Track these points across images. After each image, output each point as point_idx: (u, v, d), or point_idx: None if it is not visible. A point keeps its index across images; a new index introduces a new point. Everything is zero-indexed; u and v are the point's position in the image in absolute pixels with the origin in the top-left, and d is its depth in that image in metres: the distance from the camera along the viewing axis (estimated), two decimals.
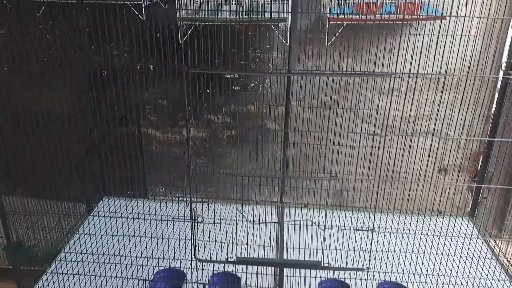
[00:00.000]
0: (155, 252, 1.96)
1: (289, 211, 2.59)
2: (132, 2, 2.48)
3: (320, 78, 3.05)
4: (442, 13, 2.38)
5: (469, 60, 2.83)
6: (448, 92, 3.02)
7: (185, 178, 3.32)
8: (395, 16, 2.37)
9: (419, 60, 2.86)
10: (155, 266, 1.90)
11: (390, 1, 2.40)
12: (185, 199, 2.53)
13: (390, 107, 3.07)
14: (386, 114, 3.09)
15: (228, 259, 1.59)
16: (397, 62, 2.88)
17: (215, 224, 2.14)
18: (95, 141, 2.54)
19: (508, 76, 2.52)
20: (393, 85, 3.04)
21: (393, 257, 2.11)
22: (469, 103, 2.94)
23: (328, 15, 2.42)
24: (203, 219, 1.65)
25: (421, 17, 2.32)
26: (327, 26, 2.45)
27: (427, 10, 2.40)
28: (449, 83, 2.97)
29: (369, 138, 3.11)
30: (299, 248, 2.16)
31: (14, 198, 2.83)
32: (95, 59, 3.10)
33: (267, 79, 3.15)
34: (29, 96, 3.01)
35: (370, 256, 1.99)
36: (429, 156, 3.07)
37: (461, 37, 2.69)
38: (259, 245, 2.12)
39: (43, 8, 2.56)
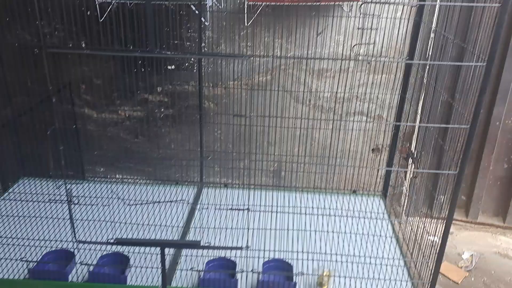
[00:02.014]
0: (46, 234, 1.99)
1: (208, 191, 2.63)
2: None
3: (253, 58, 3.06)
4: None
5: (388, 43, 2.85)
6: (380, 73, 3.05)
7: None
8: None
9: (348, 42, 2.88)
10: (42, 247, 1.92)
11: None
12: (55, 180, 2.48)
13: (324, 88, 3.10)
14: (320, 96, 3.12)
15: (109, 240, 1.62)
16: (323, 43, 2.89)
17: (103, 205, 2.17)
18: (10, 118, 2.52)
19: (411, 61, 2.54)
20: (325, 66, 3.06)
21: (283, 236, 2.17)
22: (398, 85, 2.96)
23: None
24: (78, 200, 1.66)
25: None
26: (245, 6, 2.44)
27: None
28: (379, 65, 3.00)
29: (304, 120, 3.15)
30: (208, 228, 2.21)
31: None
32: (26, 37, 3.06)
33: (203, 59, 3.13)
34: None
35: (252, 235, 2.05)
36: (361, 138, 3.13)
37: (386, 19, 2.70)
38: (166, 226, 2.17)
39: None
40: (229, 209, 2.04)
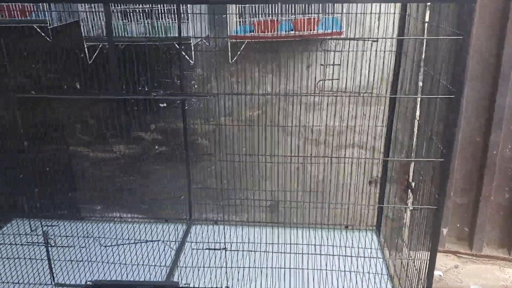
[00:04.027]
0: (30, 277, 1.97)
1: (196, 228, 2.59)
2: (38, 24, 2.52)
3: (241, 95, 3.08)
4: (340, 28, 2.40)
5: (373, 77, 2.84)
6: (369, 105, 3.02)
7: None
8: (294, 33, 2.39)
9: (336, 74, 2.87)
10: None
11: (288, 18, 2.42)
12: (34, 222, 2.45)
13: (315, 121, 3.08)
14: (312, 129, 3.10)
15: (87, 282, 1.59)
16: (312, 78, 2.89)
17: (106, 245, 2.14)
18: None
19: (395, 96, 2.52)
20: (316, 99, 3.05)
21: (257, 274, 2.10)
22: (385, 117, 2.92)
23: (228, 34, 2.45)
24: (55, 243, 1.65)
25: (317, 32, 2.34)
26: (228, 44, 2.48)
27: (326, 26, 2.42)
28: (366, 98, 2.97)
29: (296, 153, 3.12)
30: (197, 267, 2.16)
31: None
32: (22, 80, 3.15)
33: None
34: None
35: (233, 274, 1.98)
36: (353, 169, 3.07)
37: (375, 52, 2.70)
38: (153, 265, 2.13)
39: None
40: (207, 249, 1.99)
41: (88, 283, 1.57)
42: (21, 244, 2.07)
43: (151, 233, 2.48)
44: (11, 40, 2.82)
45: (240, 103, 3.11)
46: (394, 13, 2.35)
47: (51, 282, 1.69)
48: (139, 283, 1.78)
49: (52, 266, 1.62)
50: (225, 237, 1.93)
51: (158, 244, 2.36)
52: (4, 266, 2.12)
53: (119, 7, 2.43)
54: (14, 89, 3.14)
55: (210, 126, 3.23)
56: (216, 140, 3.23)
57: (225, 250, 1.81)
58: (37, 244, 1.64)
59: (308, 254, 2.27)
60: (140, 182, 3.37)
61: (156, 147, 3.33)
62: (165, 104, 3.22)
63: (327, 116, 3.04)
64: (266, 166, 3.10)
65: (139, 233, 2.46)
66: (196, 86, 3.15)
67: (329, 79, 2.18)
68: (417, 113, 2.85)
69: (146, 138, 3.32)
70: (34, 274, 1.92)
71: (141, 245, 2.40)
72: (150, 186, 3.34)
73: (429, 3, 2.45)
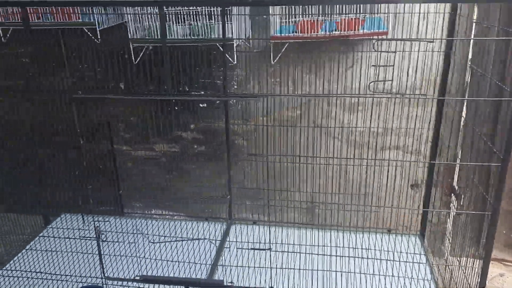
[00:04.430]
0: (77, 270, 2.04)
1: (236, 228, 2.60)
2: (87, 26, 2.61)
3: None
4: (384, 28, 2.35)
5: (420, 77, 2.75)
6: (415, 106, 2.94)
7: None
8: (337, 33, 2.36)
9: (377, 77, 2.81)
10: (76, 282, 1.97)
11: (331, 18, 2.39)
12: (84, 217, 2.54)
13: (356, 122, 3.03)
14: (353, 130, 3.05)
15: (136, 277, 1.63)
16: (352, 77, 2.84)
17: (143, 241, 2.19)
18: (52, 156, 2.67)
19: (443, 97, 2.42)
20: (357, 100, 3.00)
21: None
22: (433, 119, 2.84)
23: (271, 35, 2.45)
24: (106, 237, 1.70)
25: (361, 33, 2.30)
26: (271, 45, 2.48)
27: (370, 26, 2.37)
28: (413, 99, 2.89)
29: (337, 154, 3.08)
30: (236, 266, 2.17)
31: None
32: (70, 80, 3.27)
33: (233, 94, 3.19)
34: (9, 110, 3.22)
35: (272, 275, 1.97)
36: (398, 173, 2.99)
37: (423, 53, 2.62)
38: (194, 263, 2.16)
39: (8, 34, 2.74)
40: (251, 249, 1.99)
41: (136, 277, 1.61)
42: (74, 238, 2.16)
43: (192, 231, 2.51)
44: (60, 41, 2.92)
45: (280, 103, 3.10)
46: (444, 12, 2.27)
47: (101, 276, 1.74)
48: (185, 279, 1.81)
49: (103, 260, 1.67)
50: (270, 238, 1.92)
51: (199, 242, 2.39)
52: (53, 259, 2.20)
53: (169, 9, 2.48)
54: (62, 88, 3.27)
55: (249, 126, 3.24)
56: (255, 140, 3.23)
57: (270, 251, 1.81)
58: (89, 238, 1.70)
59: (354, 257, 2.23)
60: (180, 181, 3.43)
61: (196, 146, 3.38)
62: (205, 104, 3.26)
63: (371, 117, 2.98)
64: (306, 167, 3.08)
65: (181, 231, 2.50)
66: (235, 87, 3.17)
67: (382, 80, 2.13)
68: (463, 114, 2.74)
69: (186, 137, 3.37)
70: (85, 267, 1.99)
71: (182, 242, 2.44)
72: (189, 184, 3.39)
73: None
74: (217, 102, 3.21)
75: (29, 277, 2.03)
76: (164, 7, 2.54)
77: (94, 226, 1.63)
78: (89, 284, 1.96)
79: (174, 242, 2.41)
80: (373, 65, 2.17)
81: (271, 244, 1.97)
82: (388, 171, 2.95)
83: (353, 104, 3.02)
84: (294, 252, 2.16)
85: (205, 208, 3.20)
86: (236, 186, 3.11)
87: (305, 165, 3.05)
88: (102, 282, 1.81)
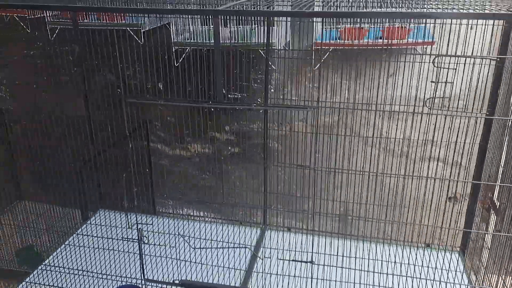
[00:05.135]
0: (117, 268, 2.07)
1: (271, 234, 2.60)
2: (131, 28, 2.65)
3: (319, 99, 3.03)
4: (431, 38, 2.29)
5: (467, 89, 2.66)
6: (458, 118, 2.85)
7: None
8: (382, 41, 2.31)
9: (421, 85, 2.74)
10: (114, 280, 2.01)
11: (377, 26, 2.35)
12: (129, 220, 2.59)
13: (395, 131, 2.96)
14: (391, 139, 2.99)
15: (174, 281, 1.65)
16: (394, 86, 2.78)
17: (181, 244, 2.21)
18: (94, 153, 2.73)
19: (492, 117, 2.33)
20: (397, 108, 2.93)
21: None
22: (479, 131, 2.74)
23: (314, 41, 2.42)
24: (148, 240, 1.72)
25: (408, 42, 2.25)
26: (313, 50, 2.45)
27: (417, 35, 2.31)
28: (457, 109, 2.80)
29: (374, 164, 3.02)
30: (269, 274, 2.17)
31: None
32: (110, 78, 3.34)
33: (269, 99, 3.18)
34: (51, 106, 3.32)
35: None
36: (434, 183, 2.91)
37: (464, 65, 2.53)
38: (228, 268, 2.17)
39: (55, 33, 2.82)
40: (292, 260, 1.98)
41: (176, 281, 1.63)
42: (117, 239, 2.20)
43: (227, 235, 2.52)
44: (105, 42, 2.98)
45: (317, 109, 3.07)
46: (498, 24, 2.18)
47: (141, 277, 1.77)
48: (223, 286, 1.82)
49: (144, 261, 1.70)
50: (312, 248, 1.91)
51: (234, 246, 2.40)
52: (91, 256, 2.25)
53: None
54: (103, 89, 3.34)
55: (283, 131, 3.23)
56: (290, 145, 3.21)
57: (312, 264, 1.79)
58: (131, 240, 1.73)
59: (393, 275, 2.19)
60: (213, 182, 3.45)
61: (230, 148, 3.39)
62: (241, 107, 3.27)
63: (411, 127, 2.90)
64: (342, 176, 3.04)
65: (216, 234, 2.52)
66: (272, 90, 3.16)
67: (439, 97, 2.07)
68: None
69: (220, 138, 3.39)
70: (125, 267, 2.03)
71: (216, 246, 2.45)
72: (222, 186, 3.41)
73: None
74: (254, 105, 3.21)
75: (68, 273, 2.08)
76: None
77: (137, 228, 1.65)
78: (127, 284, 1.99)
79: (210, 245, 2.42)
80: (432, 81, 2.11)
81: (312, 255, 1.94)
82: (427, 183, 2.88)
83: (392, 113, 2.95)
84: (331, 266, 2.14)
85: (238, 211, 3.22)
86: (272, 192, 3.10)
87: (340, 173, 3.01)
88: (141, 283, 1.85)
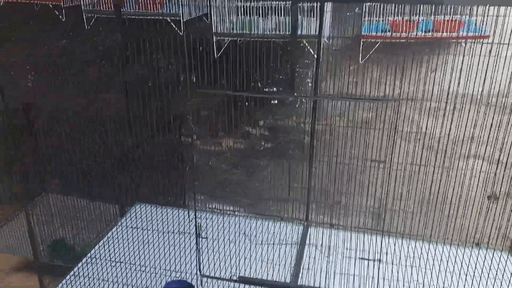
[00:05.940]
0: (171, 263, 2.02)
1: (313, 230, 2.54)
2: (172, 18, 2.60)
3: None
4: (485, 32, 2.22)
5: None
6: (501, 115, 2.78)
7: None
8: (433, 34, 2.25)
9: (469, 80, 2.67)
10: (165, 276, 1.96)
11: (428, 18, 2.28)
12: (187, 214, 2.55)
13: (435, 127, 2.90)
14: (430, 135, 2.93)
15: (232, 277, 1.61)
16: (436, 81, 2.71)
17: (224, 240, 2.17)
18: (129, 149, 2.69)
19: None
20: (438, 104, 2.87)
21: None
22: None
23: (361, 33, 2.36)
24: (207, 235, 1.68)
25: (460, 35, 2.18)
26: (361, 43, 2.39)
27: (469, 29, 2.25)
28: (501, 104, 2.74)
29: (410, 159, 2.96)
30: (320, 271, 2.12)
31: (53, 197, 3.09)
32: (141, 71, 3.29)
33: (304, 94, 3.13)
34: (80, 101, 3.28)
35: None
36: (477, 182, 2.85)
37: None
38: (273, 264, 2.12)
39: (91, 22, 2.78)
40: (361, 258, 1.93)
41: (233, 277, 1.58)
42: (173, 233, 2.15)
43: (271, 231, 2.47)
44: (141, 32, 2.93)
45: (356, 104, 3.01)
46: None
47: (197, 273, 1.72)
48: (285, 285, 1.77)
49: (201, 257, 1.65)
50: (380, 249, 1.85)
51: (279, 242, 2.35)
52: (132, 250, 2.21)
53: (252, 3, 2.43)
54: (135, 80, 3.29)
55: (320, 126, 3.17)
56: (327, 140, 3.15)
57: (379, 262, 1.74)
58: (188, 234, 1.68)
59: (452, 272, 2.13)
60: (245, 177, 3.40)
61: (263, 143, 3.34)
62: (276, 101, 3.21)
63: (451, 123, 2.84)
64: (379, 171, 2.98)
65: (261, 229, 2.47)
66: (310, 84, 3.10)
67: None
68: None
69: (253, 133, 3.34)
70: (181, 262, 1.97)
71: (262, 242, 2.39)
72: (255, 181, 3.36)
73: None
74: (290, 99, 3.16)
75: (119, 267, 2.03)
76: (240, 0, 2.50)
77: (195, 223, 1.61)
78: (180, 279, 1.94)
79: (251, 241, 2.36)
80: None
81: (379, 255, 1.88)
82: (470, 180, 2.81)
83: (433, 109, 2.89)
84: (399, 264, 2.07)
85: (277, 207, 3.15)
86: (314, 188, 3.05)
87: (376, 167, 2.95)
88: (197, 279, 1.80)
